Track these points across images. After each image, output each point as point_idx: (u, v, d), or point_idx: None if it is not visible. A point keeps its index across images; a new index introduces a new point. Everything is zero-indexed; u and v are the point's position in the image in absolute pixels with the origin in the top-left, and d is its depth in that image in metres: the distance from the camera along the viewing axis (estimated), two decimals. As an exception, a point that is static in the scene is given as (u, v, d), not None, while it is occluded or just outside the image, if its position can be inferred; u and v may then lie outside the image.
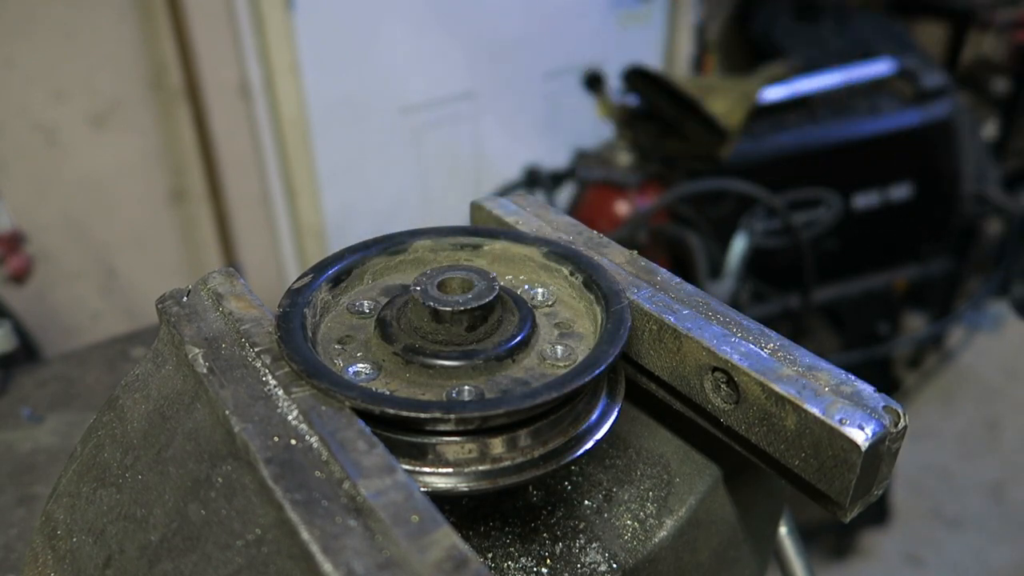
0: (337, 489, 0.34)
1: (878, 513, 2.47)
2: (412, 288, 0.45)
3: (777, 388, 0.40)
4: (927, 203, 2.48)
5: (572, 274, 0.50)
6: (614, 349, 0.42)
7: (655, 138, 2.26)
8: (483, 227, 0.56)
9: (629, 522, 0.49)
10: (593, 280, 0.49)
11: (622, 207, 2.29)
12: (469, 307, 0.44)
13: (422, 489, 0.36)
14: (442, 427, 0.39)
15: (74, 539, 0.44)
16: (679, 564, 0.50)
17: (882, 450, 0.38)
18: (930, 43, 3.55)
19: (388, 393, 0.41)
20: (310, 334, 0.44)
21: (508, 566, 0.46)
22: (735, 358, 0.42)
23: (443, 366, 0.43)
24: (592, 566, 0.46)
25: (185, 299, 0.47)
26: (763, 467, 0.45)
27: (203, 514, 0.38)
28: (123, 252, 2.54)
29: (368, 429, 0.37)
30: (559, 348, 0.45)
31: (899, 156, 2.43)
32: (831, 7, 3.36)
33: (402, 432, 0.40)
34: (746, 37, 3.59)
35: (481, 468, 0.40)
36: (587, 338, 0.47)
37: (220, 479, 0.38)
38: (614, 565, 0.46)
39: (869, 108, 2.41)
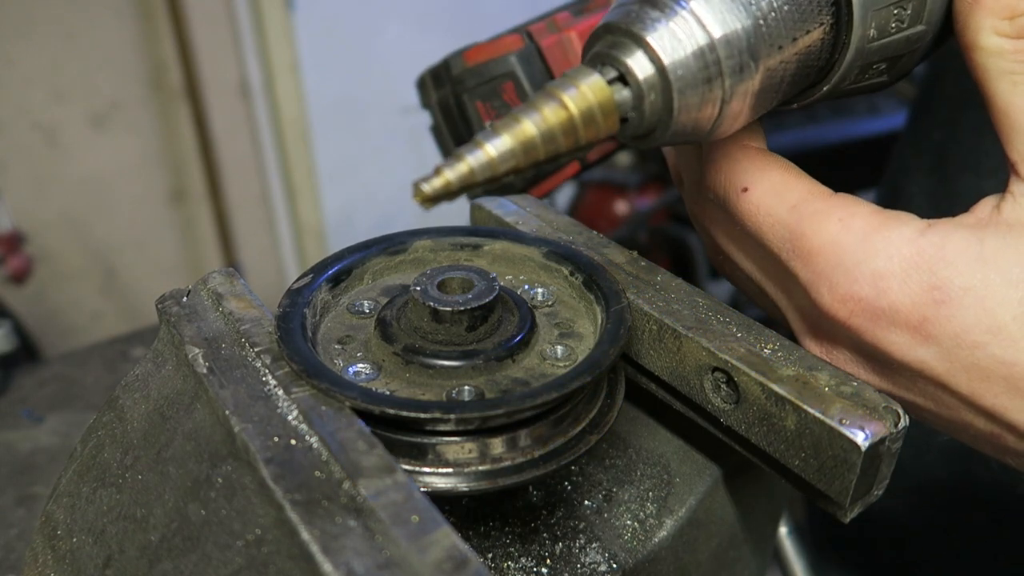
0: (337, 489, 0.34)
1: (878, 513, 2.47)
2: (412, 288, 0.45)
3: (777, 388, 0.40)
4: (927, 203, 2.48)
5: (572, 274, 0.50)
6: (614, 349, 0.42)
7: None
8: (483, 227, 0.56)
9: (629, 522, 0.49)
10: (593, 280, 0.49)
11: (622, 207, 2.29)
12: (469, 307, 0.44)
13: (422, 489, 0.36)
14: (442, 427, 0.39)
15: (74, 539, 0.44)
16: (679, 564, 0.50)
17: (882, 450, 0.38)
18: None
19: (388, 393, 0.41)
20: (310, 334, 0.44)
21: (508, 566, 0.46)
22: (735, 358, 0.42)
23: (443, 366, 0.43)
24: (592, 566, 0.46)
25: (185, 299, 0.47)
26: (763, 467, 0.45)
27: (203, 514, 0.38)
28: (123, 252, 2.54)
29: (368, 429, 0.37)
30: (559, 348, 0.45)
31: (899, 156, 2.43)
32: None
33: (402, 432, 0.40)
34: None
35: (481, 468, 0.40)
36: (587, 338, 0.47)
37: (220, 479, 0.38)
38: (614, 565, 0.46)
39: (869, 108, 2.41)
